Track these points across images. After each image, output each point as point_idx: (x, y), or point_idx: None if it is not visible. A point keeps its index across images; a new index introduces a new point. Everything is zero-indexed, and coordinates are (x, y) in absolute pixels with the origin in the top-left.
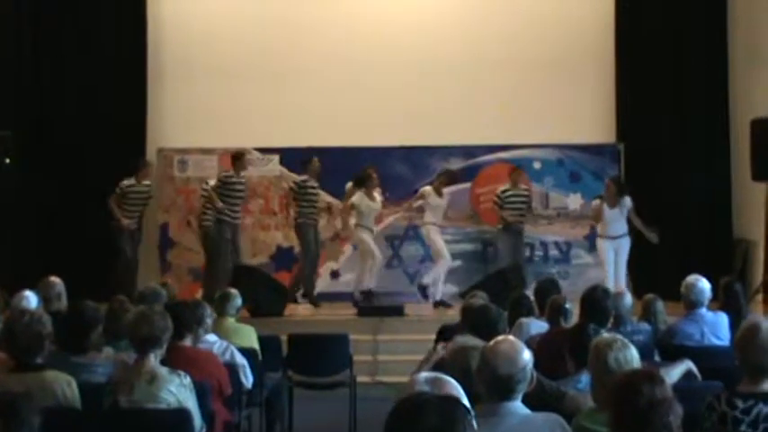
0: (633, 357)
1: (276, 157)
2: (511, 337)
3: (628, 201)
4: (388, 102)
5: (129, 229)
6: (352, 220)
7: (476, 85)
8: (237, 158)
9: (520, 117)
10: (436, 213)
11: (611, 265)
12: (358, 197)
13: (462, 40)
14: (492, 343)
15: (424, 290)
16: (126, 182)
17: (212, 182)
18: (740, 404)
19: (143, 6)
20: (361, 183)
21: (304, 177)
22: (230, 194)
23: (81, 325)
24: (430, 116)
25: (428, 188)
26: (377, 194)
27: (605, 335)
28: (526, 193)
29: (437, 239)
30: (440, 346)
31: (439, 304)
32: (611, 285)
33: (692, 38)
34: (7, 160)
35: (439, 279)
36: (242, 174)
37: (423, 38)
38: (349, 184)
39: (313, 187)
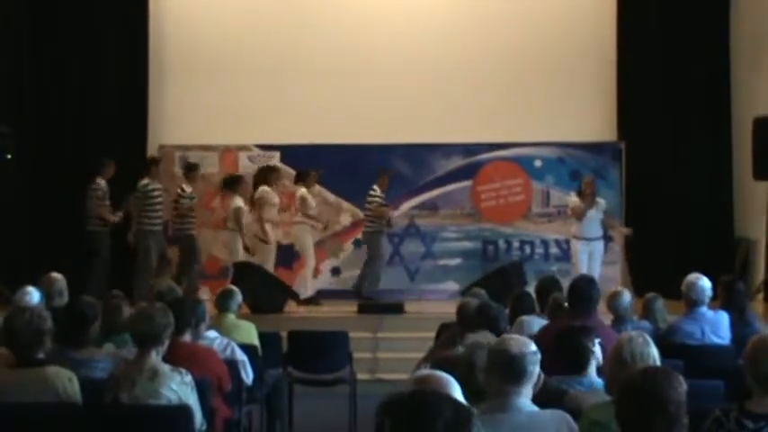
0: (651, 355)
1: (277, 154)
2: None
3: (603, 202)
4: (389, 99)
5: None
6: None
7: (477, 83)
8: (154, 164)
9: (521, 115)
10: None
11: (584, 267)
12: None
13: (463, 38)
14: (502, 337)
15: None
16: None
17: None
18: (750, 425)
19: (145, 3)
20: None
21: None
22: (150, 202)
23: (79, 320)
24: (431, 114)
25: (266, 188)
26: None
27: (632, 331)
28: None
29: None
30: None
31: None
32: None
33: (695, 35)
34: (8, 156)
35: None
36: (156, 180)
37: (424, 36)
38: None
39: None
